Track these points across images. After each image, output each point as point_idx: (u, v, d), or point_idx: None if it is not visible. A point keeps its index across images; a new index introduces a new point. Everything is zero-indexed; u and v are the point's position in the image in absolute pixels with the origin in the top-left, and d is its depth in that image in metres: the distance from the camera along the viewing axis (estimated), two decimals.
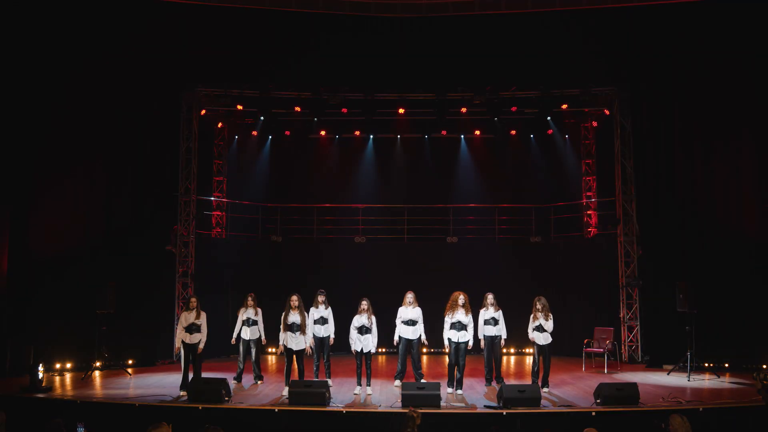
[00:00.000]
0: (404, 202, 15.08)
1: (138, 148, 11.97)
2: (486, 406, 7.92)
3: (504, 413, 7.47)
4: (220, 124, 14.80)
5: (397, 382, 9.50)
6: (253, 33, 12.09)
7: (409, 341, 9.67)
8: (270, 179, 15.40)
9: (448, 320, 9.20)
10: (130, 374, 10.74)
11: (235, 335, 10.11)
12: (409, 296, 9.73)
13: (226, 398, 8.08)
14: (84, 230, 11.50)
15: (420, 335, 9.69)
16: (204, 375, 9.18)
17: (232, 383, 9.29)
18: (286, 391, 8.65)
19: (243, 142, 15.32)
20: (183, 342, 9.09)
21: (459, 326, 9.10)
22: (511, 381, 10.11)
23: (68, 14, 11.31)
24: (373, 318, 9.16)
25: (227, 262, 13.96)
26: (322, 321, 9.63)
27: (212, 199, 14.57)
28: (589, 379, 10.31)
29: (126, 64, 11.76)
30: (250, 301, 10.16)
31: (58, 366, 10.77)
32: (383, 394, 8.92)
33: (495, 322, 9.77)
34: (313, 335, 9.51)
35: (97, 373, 10.63)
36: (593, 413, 7.48)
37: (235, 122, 14.92)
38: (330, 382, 9.39)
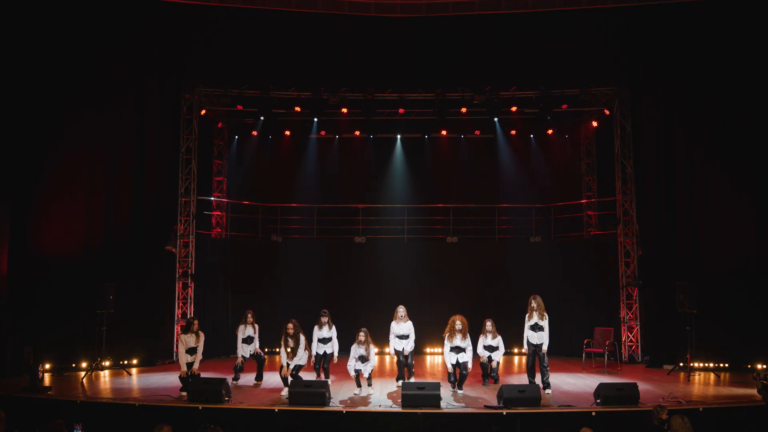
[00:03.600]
0: (404, 202, 15.09)
1: (138, 147, 11.96)
2: (486, 406, 7.92)
3: (504, 413, 7.47)
4: (220, 124, 14.80)
5: (399, 382, 9.52)
6: (253, 33, 12.08)
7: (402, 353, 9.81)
8: (270, 179, 15.41)
9: (447, 344, 9.29)
10: (130, 374, 10.74)
11: (239, 354, 9.93)
12: (401, 311, 9.86)
13: (226, 398, 8.07)
14: (84, 230, 11.48)
15: (412, 347, 9.82)
16: (204, 375, 9.17)
17: (231, 384, 9.29)
18: (285, 392, 8.66)
19: (243, 142, 15.33)
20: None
21: (458, 350, 9.21)
22: (510, 381, 10.11)
23: (69, 14, 11.30)
24: (372, 348, 9.23)
25: (227, 262, 13.97)
26: (326, 341, 9.75)
27: (212, 199, 14.57)
28: (589, 379, 10.31)
29: (126, 63, 11.75)
30: (249, 318, 10.11)
31: (58, 366, 10.75)
32: (383, 394, 8.93)
33: (492, 349, 9.84)
34: (316, 353, 9.60)
35: (97, 373, 10.63)
36: (593, 413, 7.48)
37: (235, 122, 14.93)
38: (330, 381, 9.41)
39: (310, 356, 9.47)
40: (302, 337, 9.28)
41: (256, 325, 10.19)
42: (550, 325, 9.38)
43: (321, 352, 9.69)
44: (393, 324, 9.84)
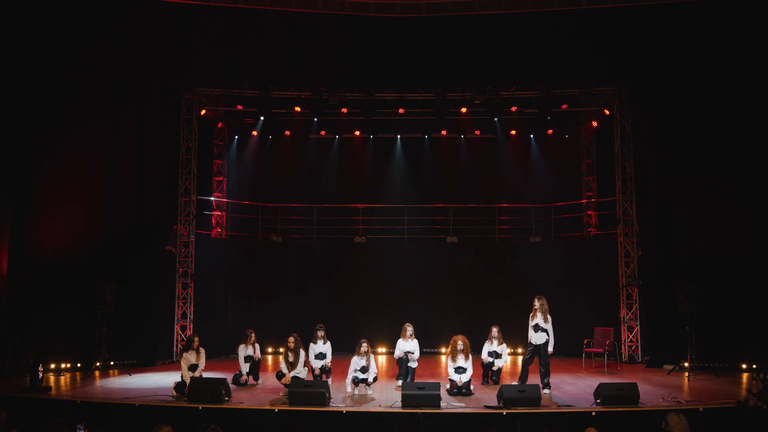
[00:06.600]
0: (404, 202, 15.10)
1: (138, 147, 11.96)
2: (486, 406, 7.91)
3: (504, 413, 7.47)
4: (220, 124, 14.80)
5: (399, 382, 9.53)
6: (252, 33, 12.08)
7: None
8: (270, 179, 15.42)
9: (451, 365, 9.30)
10: (130, 374, 10.74)
11: (245, 371, 9.91)
12: (409, 329, 9.96)
13: (226, 398, 8.07)
14: (84, 230, 11.47)
15: (416, 365, 9.89)
16: (204, 375, 9.18)
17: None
18: (285, 392, 8.66)
19: (243, 142, 15.33)
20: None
21: (461, 370, 9.20)
22: (510, 381, 10.10)
23: (69, 14, 11.29)
24: (372, 357, 9.28)
25: (227, 262, 13.99)
26: (322, 356, 9.77)
27: (212, 199, 14.57)
28: (589, 379, 10.31)
29: (126, 63, 11.74)
30: (252, 338, 10.10)
31: (58, 366, 10.76)
32: (383, 394, 8.93)
33: (497, 355, 9.90)
34: (313, 367, 9.62)
35: (97, 373, 10.63)
36: (593, 413, 7.48)
37: (235, 122, 14.94)
38: (330, 382, 9.41)
39: (309, 370, 9.48)
40: (302, 353, 9.34)
41: (257, 345, 10.19)
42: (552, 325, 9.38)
43: (319, 366, 9.68)
44: (400, 341, 9.96)
